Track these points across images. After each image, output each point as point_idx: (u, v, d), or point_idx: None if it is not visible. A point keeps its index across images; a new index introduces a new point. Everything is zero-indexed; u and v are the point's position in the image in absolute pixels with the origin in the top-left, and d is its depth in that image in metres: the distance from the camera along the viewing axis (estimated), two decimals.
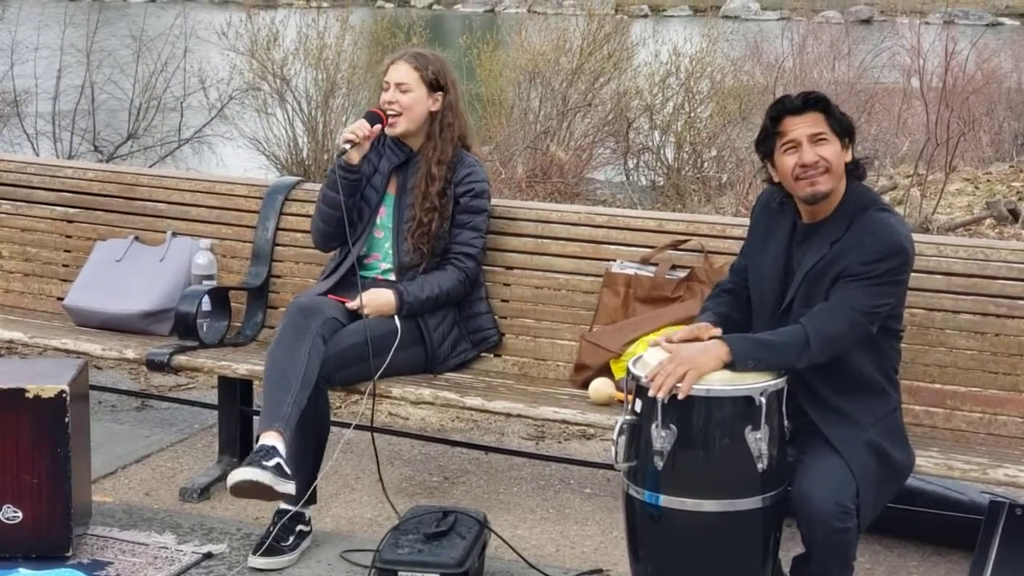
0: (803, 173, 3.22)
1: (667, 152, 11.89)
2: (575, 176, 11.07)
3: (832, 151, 3.24)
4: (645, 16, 24.79)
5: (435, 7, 39.48)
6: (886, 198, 8.68)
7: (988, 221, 8.91)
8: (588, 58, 11.93)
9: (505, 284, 4.29)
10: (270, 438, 3.66)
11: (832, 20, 19.02)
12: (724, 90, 12.04)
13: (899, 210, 8.36)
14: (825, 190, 3.24)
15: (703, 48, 12.39)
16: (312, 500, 3.88)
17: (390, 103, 4.11)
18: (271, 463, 3.59)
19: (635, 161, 12.01)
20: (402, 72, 4.12)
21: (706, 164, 11.53)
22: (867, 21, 26.12)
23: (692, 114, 11.88)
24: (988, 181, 10.56)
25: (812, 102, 3.25)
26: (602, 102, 11.96)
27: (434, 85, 4.12)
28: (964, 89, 9.97)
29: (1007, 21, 31.31)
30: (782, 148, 3.25)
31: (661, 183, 11.58)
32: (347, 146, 4.07)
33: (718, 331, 3.27)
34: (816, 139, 3.23)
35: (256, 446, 3.68)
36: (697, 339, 3.25)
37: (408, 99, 4.10)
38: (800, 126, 3.23)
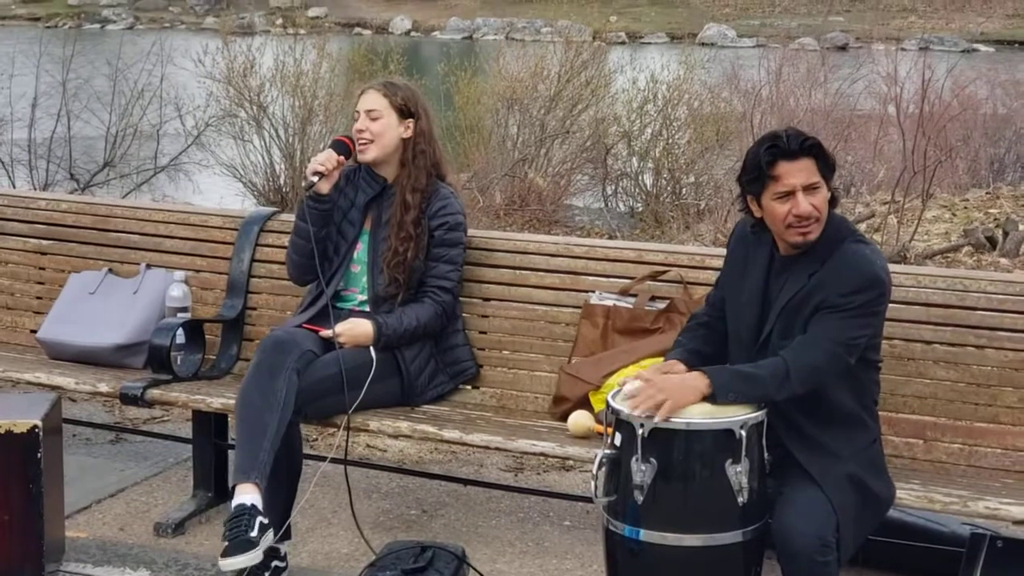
0: (796, 223, 3.21)
1: (645, 178, 11.92)
2: (553, 203, 11.08)
3: (823, 198, 3.23)
4: (623, 43, 24.90)
5: (413, 34, 39.59)
6: (863, 226, 8.74)
7: (966, 249, 8.92)
8: (566, 85, 11.96)
9: (483, 316, 4.26)
10: (247, 493, 3.62)
11: (807, 47, 19.13)
12: (702, 117, 12.07)
13: (876, 238, 8.41)
14: (815, 238, 3.23)
15: (680, 75, 12.43)
16: (287, 535, 3.83)
17: (360, 131, 4.09)
18: (255, 533, 3.55)
19: (613, 187, 12.03)
20: (372, 100, 4.10)
21: (684, 190, 11.55)
22: (843, 48, 26.29)
23: (670, 140, 11.92)
24: (965, 208, 10.58)
25: (807, 148, 3.23)
26: (580, 129, 11.99)
27: (404, 112, 4.10)
28: (941, 117, 10.00)
29: (982, 48, 31.57)
30: (774, 195, 3.22)
31: (640, 209, 11.60)
32: (315, 178, 4.05)
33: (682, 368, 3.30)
34: (810, 189, 3.21)
35: (234, 507, 3.61)
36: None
37: (378, 126, 4.08)
38: (795, 174, 3.20)
